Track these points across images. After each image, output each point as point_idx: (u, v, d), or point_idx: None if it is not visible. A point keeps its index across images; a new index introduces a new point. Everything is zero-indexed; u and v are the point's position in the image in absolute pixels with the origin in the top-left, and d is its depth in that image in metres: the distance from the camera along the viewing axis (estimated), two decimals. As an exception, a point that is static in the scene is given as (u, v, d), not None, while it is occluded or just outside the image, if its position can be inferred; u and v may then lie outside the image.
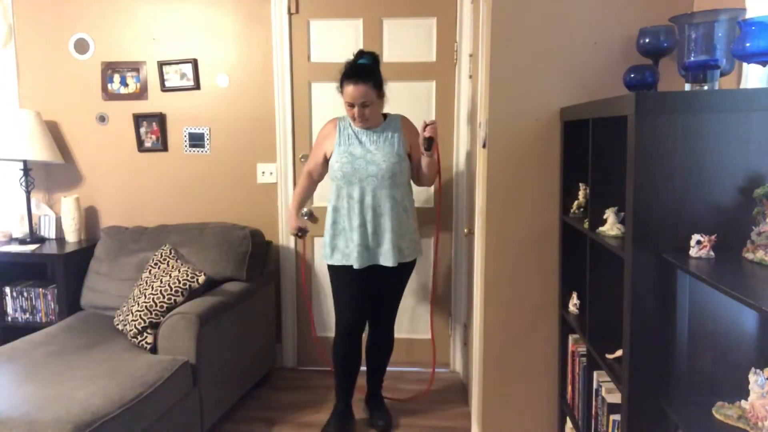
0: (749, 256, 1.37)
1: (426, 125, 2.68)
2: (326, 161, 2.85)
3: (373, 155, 2.73)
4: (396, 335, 3.67)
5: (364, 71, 2.67)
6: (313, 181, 2.95)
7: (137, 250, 3.29)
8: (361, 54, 2.75)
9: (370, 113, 2.70)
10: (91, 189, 3.70)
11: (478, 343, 2.58)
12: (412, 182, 2.91)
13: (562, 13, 2.30)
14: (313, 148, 2.95)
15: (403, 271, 2.85)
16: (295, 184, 3.52)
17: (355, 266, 2.74)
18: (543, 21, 2.30)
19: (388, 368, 3.64)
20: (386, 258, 2.75)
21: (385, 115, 2.84)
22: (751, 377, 1.26)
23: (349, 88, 2.65)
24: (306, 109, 3.54)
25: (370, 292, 2.85)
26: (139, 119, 3.60)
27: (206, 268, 3.10)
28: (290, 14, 3.49)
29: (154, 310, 2.78)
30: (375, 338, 3.01)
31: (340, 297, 2.86)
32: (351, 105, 2.68)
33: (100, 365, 2.51)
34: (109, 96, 3.62)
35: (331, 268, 2.86)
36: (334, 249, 2.81)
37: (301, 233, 2.89)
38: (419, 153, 2.78)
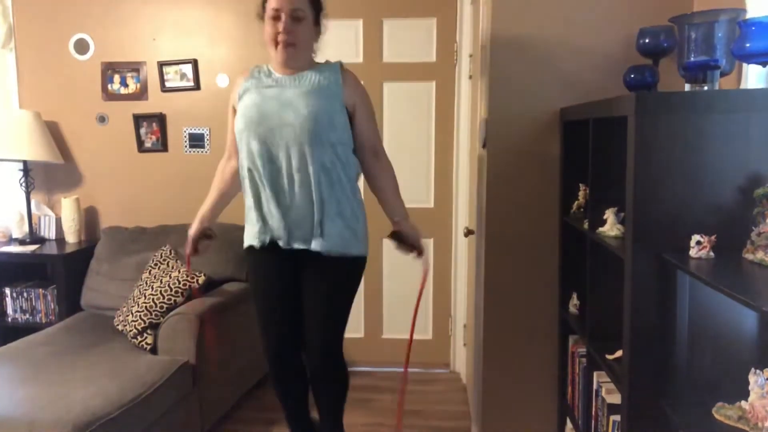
0: (749, 256, 1.37)
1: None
2: None
3: (291, 96, 1.92)
4: (394, 335, 3.72)
5: None
6: (232, 171, 2.18)
7: (137, 250, 3.29)
8: None
9: (301, 35, 1.93)
10: (91, 189, 3.70)
11: (478, 343, 2.58)
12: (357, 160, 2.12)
13: (562, 13, 2.30)
14: (229, 120, 2.14)
15: (335, 268, 2.01)
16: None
17: (256, 244, 2.03)
18: (543, 21, 2.30)
19: (388, 368, 3.67)
20: (304, 236, 1.97)
21: (317, 64, 2.10)
22: (751, 377, 1.26)
23: None
24: (306, 109, 3.54)
25: (297, 296, 2.09)
26: (139, 119, 3.60)
27: (206, 268, 3.10)
28: (290, 14, 3.49)
29: (154, 311, 2.78)
30: (311, 370, 2.11)
31: (258, 301, 2.15)
32: (276, 16, 1.92)
33: (100, 366, 2.51)
34: (109, 96, 3.62)
35: (247, 256, 2.14)
36: (248, 229, 2.10)
37: (198, 247, 2.17)
38: (365, 122, 2.06)
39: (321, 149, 1.92)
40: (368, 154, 2.09)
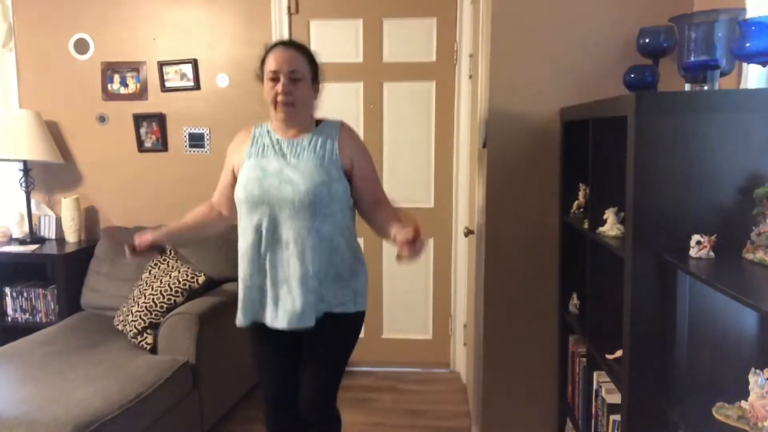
0: (749, 256, 1.37)
1: (406, 243, 1.76)
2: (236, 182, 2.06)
3: (290, 172, 1.94)
4: (394, 336, 3.72)
5: (297, 43, 2.05)
6: (217, 213, 2.17)
7: (137, 250, 3.29)
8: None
9: (299, 95, 1.95)
10: (91, 189, 3.70)
11: (478, 343, 2.58)
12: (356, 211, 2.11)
13: (562, 13, 2.30)
14: (223, 170, 2.17)
15: (333, 330, 2.01)
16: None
17: (242, 322, 2.02)
18: (543, 21, 2.30)
19: (388, 369, 3.67)
20: (302, 315, 1.93)
21: (318, 122, 2.09)
22: (751, 377, 1.26)
23: (275, 54, 1.95)
24: (306, 109, 3.54)
25: (296, 354, 2.08)
26: (139, 119, 3.60)
27: (206, 268, 3.10)
28: (290, 14, 3.49)
29: (154, 311, 2.78)
30: (304, 418, 2.10)
31: (256, 363, 2.14)
32: (275, 78, 1.94)
33: (100, 365, 2.51)
34: (109, 96, 3.62)
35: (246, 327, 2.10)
36: (243, 306, 2.03)
37: (138, 249, 2.03)
38: (364, 177, 2.05)
39: (321, 220, 1.94)
40: (368, 203, 2.07)
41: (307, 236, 1.93)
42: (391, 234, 1.90)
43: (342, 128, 2.07)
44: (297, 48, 1.99)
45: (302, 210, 1.91)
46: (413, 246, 1.75)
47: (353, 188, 2.05)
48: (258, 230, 1.96)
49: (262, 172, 1.97)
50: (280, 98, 1.94)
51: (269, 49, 2.00)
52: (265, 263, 1.97)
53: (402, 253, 1.77)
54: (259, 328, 2.05)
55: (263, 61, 2.00)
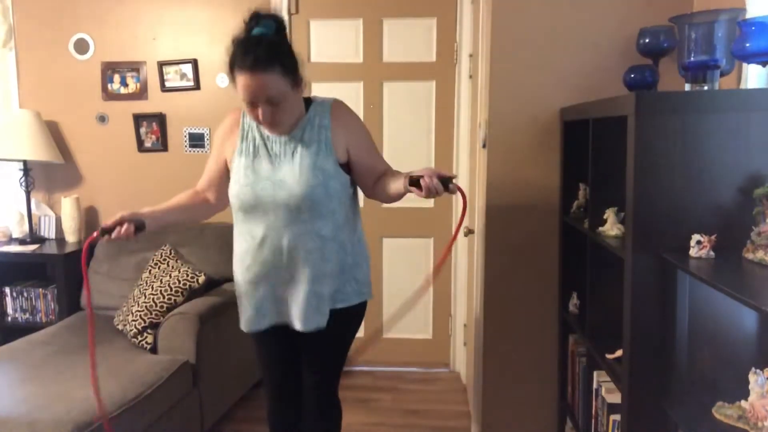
0: (749, 256, 1.37)
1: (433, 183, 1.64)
2: (228, 171, 1.96)
3: (284, 175, 1.83)
4: (394, 335, 3.73)
5: (263, 49, 1.69)
6: (202, 199, 2.03)
7: (137, 250, 3.29)
8: (256, 19, 1.75)
9: (282, 115, 1.78)
10: (91, 189, 3.70)
11: (478, 343, 2.58)
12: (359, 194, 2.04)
13: (562, 13, 2.30)
14: (210, 155, 2.04)
15: (335, 324, 1.94)
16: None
17: (247, 328, 1.99)
18: (543, 21, 2.30)
19: (388, 368, 3.67)
20: (299, 318, 1.91)
21: (307, 104, 1.91)
22: (751, 377, 1.26)
23: (244, 81, 1.71)
24: (306, 109, 3.54)
25: (297, 349, 2.05)
26: (139, 119, 3.60)
27: (206, 268, 3.10)
28: (290, 14, 3.49)
29: (154, 310, 2.78)
30: (305, 407, 2.10)
31: (260, 363, 2.13)
32: (252, 103, 1.75)
33: (100, 365, 2.51)
34: (109, 96, 3.62)
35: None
36: (242, 309, 2.01)
37: (108, 230, 1.76)
38: (363, 156, 1.94)
39: (321, 221, 1.86)
40: (371, 180, 1.97)
41: (308, 239, 1.85)
42: (394, 184, 1.79)
43: (334, 109, 1.91)
44: (265, 66, 1.69)
45: (299, 213, 1.84)
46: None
47: (353, 171, 1.95)
48: (256, 236, 1.89)
49: (255, 175, 1.87)
50: (263, 122, 1.80)
51: (236, 65, 1.72)
52: (269, 269, 1.90)
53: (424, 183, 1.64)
54: (261, 342, 2.07)
55: (232, 69, 1.75)
